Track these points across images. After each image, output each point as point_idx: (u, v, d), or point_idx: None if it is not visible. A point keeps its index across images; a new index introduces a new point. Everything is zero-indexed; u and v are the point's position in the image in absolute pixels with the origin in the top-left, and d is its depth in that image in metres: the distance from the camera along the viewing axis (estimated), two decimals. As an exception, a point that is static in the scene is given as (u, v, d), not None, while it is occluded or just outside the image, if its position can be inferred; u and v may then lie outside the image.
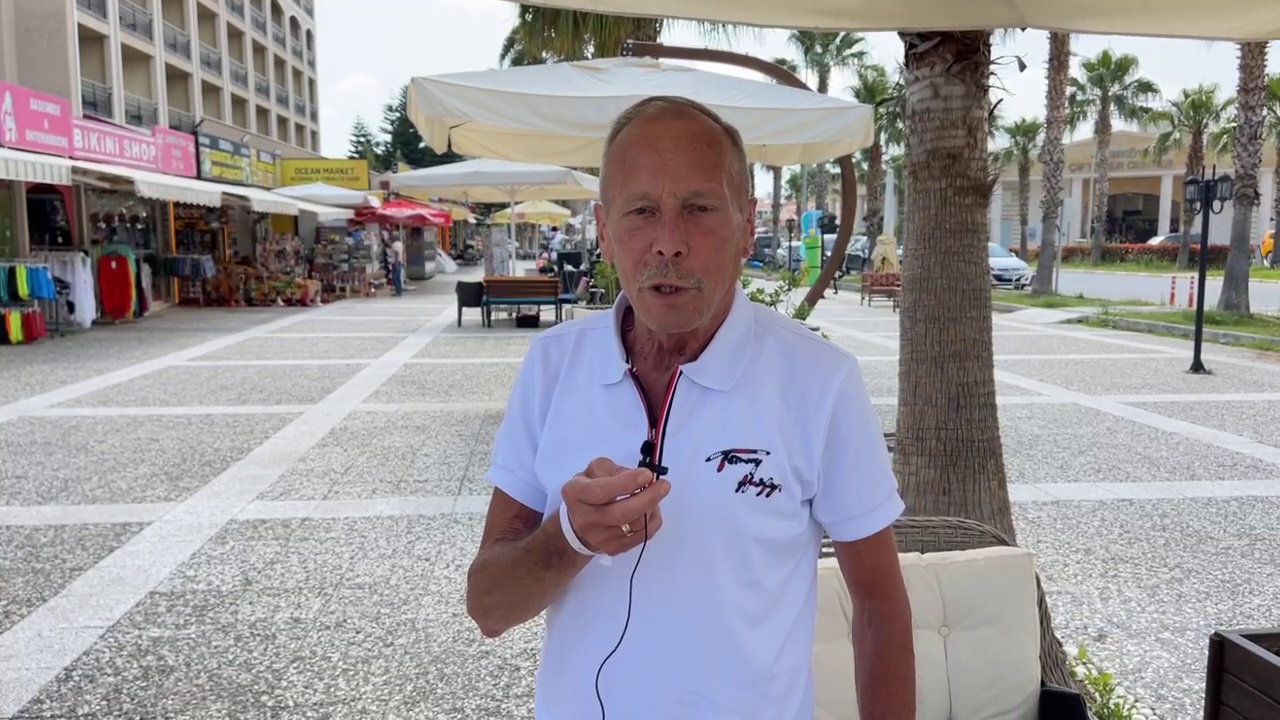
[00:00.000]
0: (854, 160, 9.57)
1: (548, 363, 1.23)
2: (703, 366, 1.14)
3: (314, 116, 52.00)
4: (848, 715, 1.74)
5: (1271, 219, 40.60)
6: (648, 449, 1.10)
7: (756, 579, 1.14)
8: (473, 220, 47.00)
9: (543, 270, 24.81)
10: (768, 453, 1.12)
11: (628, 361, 1.17)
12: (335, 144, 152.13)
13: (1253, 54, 18.25)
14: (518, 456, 1.23)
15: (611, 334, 1.20)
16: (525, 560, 1.11)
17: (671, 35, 24.18)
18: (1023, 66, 3.56)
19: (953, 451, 3.47)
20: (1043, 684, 1.96)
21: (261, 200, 20.63)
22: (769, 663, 1.15)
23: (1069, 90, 28.83)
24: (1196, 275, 11.87)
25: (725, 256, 1.11)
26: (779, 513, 1.13)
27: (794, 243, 32.06)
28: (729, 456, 1.11)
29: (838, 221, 12.23)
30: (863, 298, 23.03)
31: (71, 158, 15.80)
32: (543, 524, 1.10)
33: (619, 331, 1.21)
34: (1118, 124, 43.55)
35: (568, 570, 1.08)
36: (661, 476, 0.98)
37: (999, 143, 47.77)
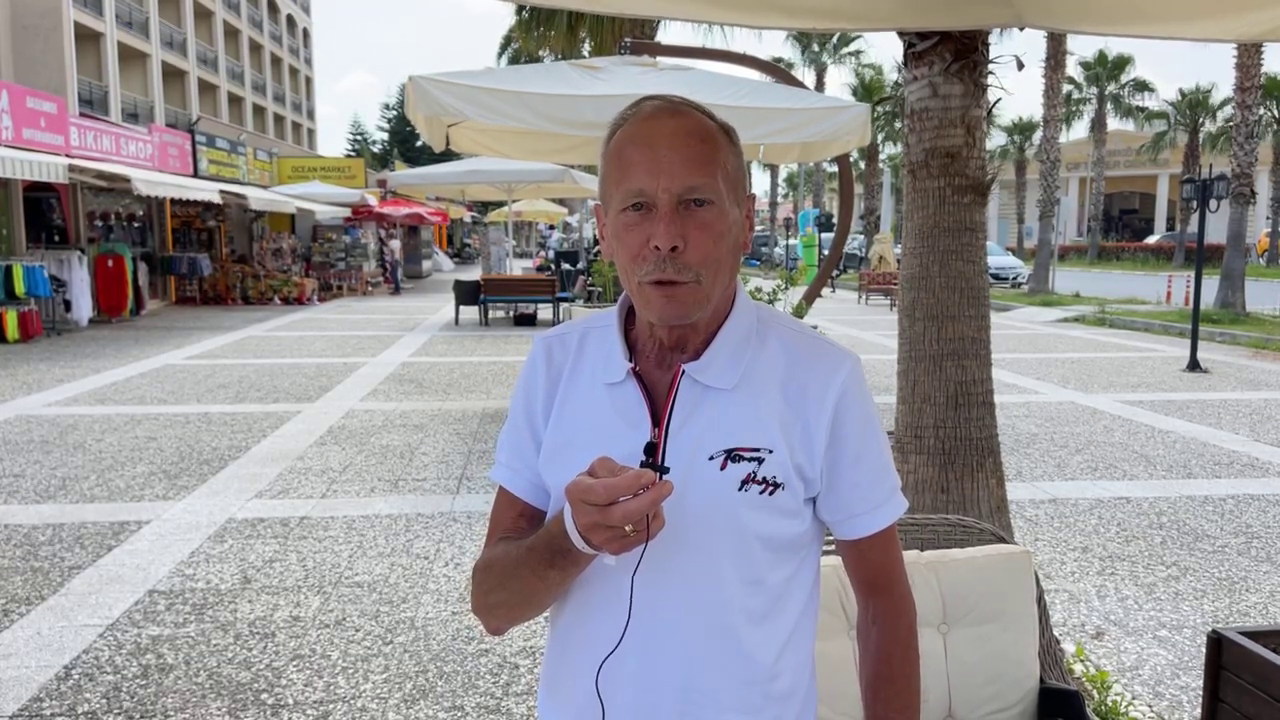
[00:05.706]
0: (851, 159, 9.56)
1: (551, 362, 1.24)
2: (705, 365, 1.15)
3: (311, 115, 51.95)
4: (850, 712, 1.75)
5: (1267, 218, 40.64)
6: (650, 450, 1.11)
7: (759, 577, 1.14)
8: (469, 219, 46.94)
9: (540, 269, 24.74)
10: (770, 451, 1.12)
11: (630, 360, 1.18)
12: (332, 142, 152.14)
13: (1249, 54, 18.29)
14: (521, 455, 1.24)
15: (614, 333, 1.21)
16: (529, 559, 1.11)
17: (669, 34, 24.19)
18: (1021, 66, 3.57)
19: (951, 450, 3.48)
20: (1042, 681, 1.97)
21: (258, 198, 20.60)
22: (772, 661, 1.16)
23: (1066, 89, 28.92)
24: (1193, 274, 11.89)
25: (722, 250, 1.11)
26: (782, 511, 1.13)
27: (791, 241, 32.06)
28: (732, 455, 1.12)
29: (835, 220, 12.23)
30: (860, 296, 23.06)
31: (68, 156, 15.76)
32: (546, 523, 1.11)
33: (622, 330, 1.21)
34: (1114, 123, 43.64)
35: (571, 569, 1.09)
36: (664, 477, 0.99)
37: (996, 141, 47.82)
